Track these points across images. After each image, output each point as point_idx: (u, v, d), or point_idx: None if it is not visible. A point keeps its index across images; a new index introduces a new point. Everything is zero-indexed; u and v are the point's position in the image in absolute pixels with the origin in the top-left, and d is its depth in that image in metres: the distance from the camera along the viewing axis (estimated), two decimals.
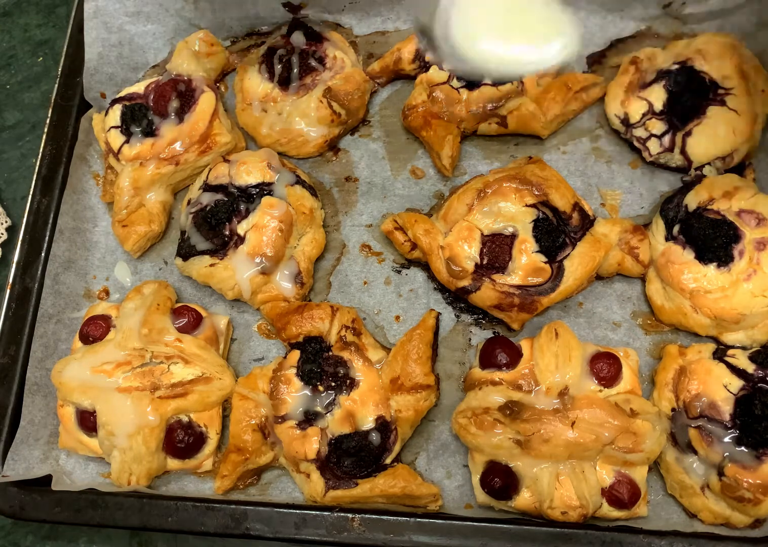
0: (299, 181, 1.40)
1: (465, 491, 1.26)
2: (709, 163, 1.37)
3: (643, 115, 1.40)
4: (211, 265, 1.34)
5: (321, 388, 1.24)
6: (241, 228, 1.34)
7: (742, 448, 1.13)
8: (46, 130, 1.50)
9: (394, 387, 1.25)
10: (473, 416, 1.19)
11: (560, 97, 1.42)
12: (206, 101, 1.45)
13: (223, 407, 1.31)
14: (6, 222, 1.61)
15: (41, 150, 1.49)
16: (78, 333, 1.35)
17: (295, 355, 1.28)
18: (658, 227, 1.34)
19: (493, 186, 1.32)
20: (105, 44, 1.52)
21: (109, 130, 1.46)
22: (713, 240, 1.25)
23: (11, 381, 1.34)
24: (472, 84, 1.45)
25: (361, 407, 1.23)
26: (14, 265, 1.41)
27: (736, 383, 1.17)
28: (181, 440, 1.26)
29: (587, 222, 1.33)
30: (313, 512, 1.20)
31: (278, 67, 1.48)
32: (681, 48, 1.43)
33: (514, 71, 1.05)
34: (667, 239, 1.32)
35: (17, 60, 1.78)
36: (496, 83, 1.44)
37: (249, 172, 1.37)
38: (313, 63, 1.48)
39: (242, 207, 1.35)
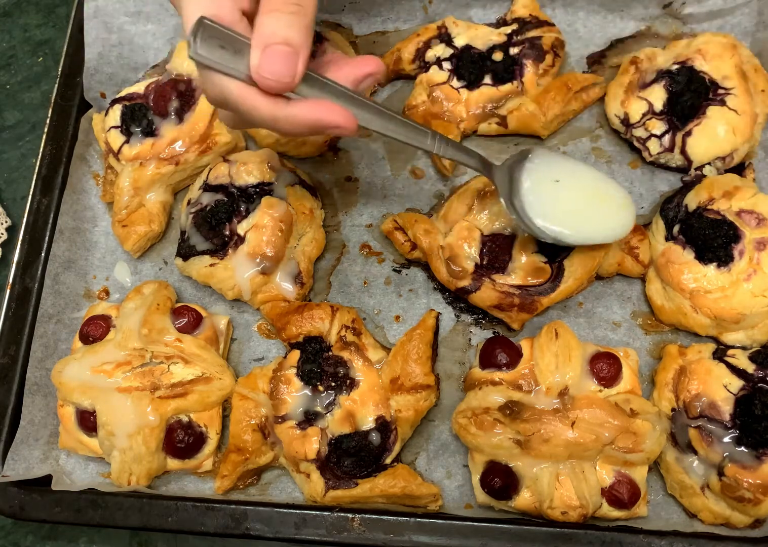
0: (299, 181, 1.40)
1: (465, 491, 1.26)
2: (709, 163, 1.37)
3: (643, 115, 1.40)
4: (211, 265, 1.34)
5: (321, 388, 1.24)
6: (241, 228, 1.34)
7: (742, 448, 1.13)
8: (46, 130, 1.50)
9: (394, 387, 1.25)
10: (473, 416, 1.19)
11: (560, 97, 1.42)
12: (206, 101, 1.45)
13: (223, 407, 1.31)
14: (6, 222, 1.61)
15: (41, 150, 1.48)
16: (78, 333, 1.35)
17: (295, 355, 1.28)
18: (658, 227, 1.34)
19: (493, 186, 1.32)
20: (105, 44, 1.52)
21: (109, 130, 1.46)
22: (713, 240, 1.25)
23: (11, 381, 1.34)
24: (472, 84, 1.45)
25: (361, 407, 1.23)
26: (14, 265, 1.41)
27: (736, 383, 1.17)
28: (181, 440, 1.26)
29: None
30: (313, 512, 1.20)
31: None
32: (681, 48, 1.43)
33: (579, 243, 1.26)
34: (667, 239, 1.32)
35: (17, 60, 1.78)
36: (496, 83, 1.44)
37: (249, 172, 1.37)
38: None
39: (242, 207, 1.35)
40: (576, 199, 1.23)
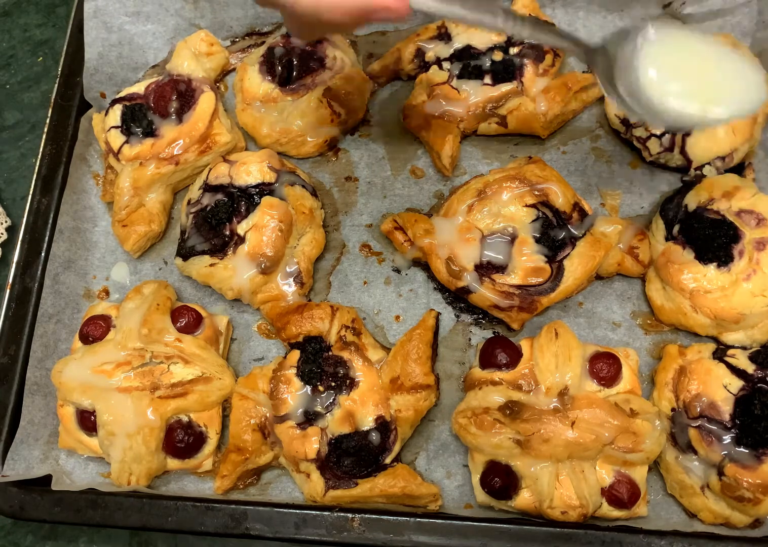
0: (299, 181, 1.40)
1: (465, 491, 1.26)
2: (709, 163, 1.37)
3: None
4: (211, 265, 1.34)
5: (321, 388, 1.24)
6: (241, 228, 1.34)
7: (742, 448, 1.13)
8: (46, 130, 1.50)
9: (394, 387, 1.25)
10: (473, 416, 1.19)
11: (560, 97, 1.42)
12: (206, 101, 1.45)
13: (223, 407, 1.31)
14: (6, 222, 1.61)
15: (41, 150, 1.48)
16: (78, 333, 1.34)
17: (295, 355, 1.28)
18: (658, 227, 1.34)
19: (493, 186, 1.32)
20: (105, 44, 1.52)
21: (109, 130, 1.46)
22: (713, 240, 1.25)
23: (11, 381, 1.34)
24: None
25: (361, 407, 1.23)
26: (14, 265, 1.41)
27: (736, 383, 1.17)
28: (181, 440, 1.26)
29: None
30: (313, 512, 1.20)
31: (278, 67, 1.48)
32: None
33: (701, 125, 1.15)
34: (667, 239, 1.32)
35: (17, 60, 1.78)
36: (496, 83, 1.44)
37: (249, 172, 1.37)
38: (313, 63, 1.48)
39: (242, 207, 1.35)
40: (703, 72, 1.07)
